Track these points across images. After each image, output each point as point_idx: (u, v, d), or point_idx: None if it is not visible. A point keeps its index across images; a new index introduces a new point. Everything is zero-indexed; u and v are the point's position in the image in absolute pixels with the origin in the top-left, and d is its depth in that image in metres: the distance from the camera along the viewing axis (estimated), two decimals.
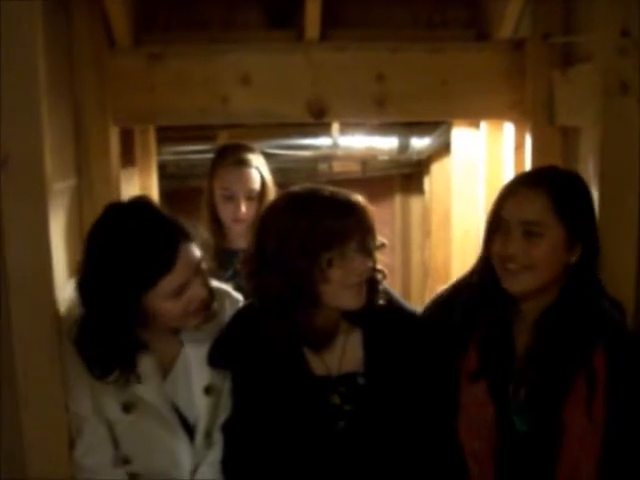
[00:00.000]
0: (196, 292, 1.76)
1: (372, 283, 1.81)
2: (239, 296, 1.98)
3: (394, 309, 1.88)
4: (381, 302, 1.84)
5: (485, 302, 1.80)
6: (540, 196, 1.71)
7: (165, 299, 1.72)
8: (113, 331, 1.74)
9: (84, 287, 1.75)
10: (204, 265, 1.82)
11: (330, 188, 1.81)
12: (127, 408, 1.79)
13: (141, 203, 1.83)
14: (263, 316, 1.80)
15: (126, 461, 1.82)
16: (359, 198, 1.79)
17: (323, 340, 1.83)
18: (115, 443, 1.81)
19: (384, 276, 1.85)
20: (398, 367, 1.82)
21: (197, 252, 1.78)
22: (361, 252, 1.74)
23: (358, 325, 1.85)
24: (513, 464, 1.75)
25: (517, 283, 1.73)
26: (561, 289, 1.74)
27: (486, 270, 1.80)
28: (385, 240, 1.83)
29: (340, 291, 1.75)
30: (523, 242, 1.70)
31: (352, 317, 1.83)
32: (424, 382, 1.82)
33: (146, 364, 1.81)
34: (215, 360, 1.86)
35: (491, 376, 1.76)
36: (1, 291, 1.67)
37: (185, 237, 1.75)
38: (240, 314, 1.91)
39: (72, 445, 1.79)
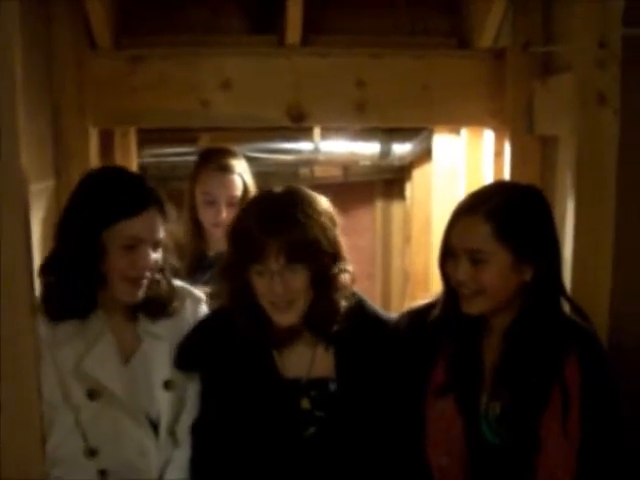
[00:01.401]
0: (143, 258, 1.79)
1: (332, 287, 1.79)
2: (202, 295, 2.01)
3: (366, 315, 1.88)
4: (345, 304, 1.82)
5: (451, 319, 1.79)
6: (480, 224, 1.68)
7: (117, 246, 1.77)
8: (73, 261, 1.77)
9: (58, 227, 1.83)
10: (168, 259, 1.90)
11: None
12: (92, 395, 1.80)
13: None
14: (235, 316, 1.81)
15: (93, 453, 1.81)
16: None
17: (288, 342, 1.83)
18: (83, 434, 1.81)
19: (353, 280, 1.84)
20: (369, 374, 1.81)
21: (162, 231, 1.83)
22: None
23: (324, 328, 1.83)
24: (485, 478, 1.75)
25: (471, 306, 1.73)
26: (523, 303, 1.73)
27: (448, 292, 1.79)
28: None
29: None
30: (470, 268, 1.69)
31: (319, 323, 1.82)
32: (392, 392, 1.81)
33: (105, 347, 1.82)
34: (181, 362, 1.87)
35: (459, 390, 1.76)
36: None
37: (160, 207, 1.83)
38: (209, 316, 1.93)
39: (44, 440, 1.77)
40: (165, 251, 1.88)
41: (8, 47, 1.63)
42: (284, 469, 1.78)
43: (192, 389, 1.89)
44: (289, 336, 1.83)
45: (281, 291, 1.73)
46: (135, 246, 1.79)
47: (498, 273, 1.69)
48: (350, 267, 1.84)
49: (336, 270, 1.79)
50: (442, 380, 1.78)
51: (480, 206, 1.71)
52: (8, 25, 1.62)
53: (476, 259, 1.69)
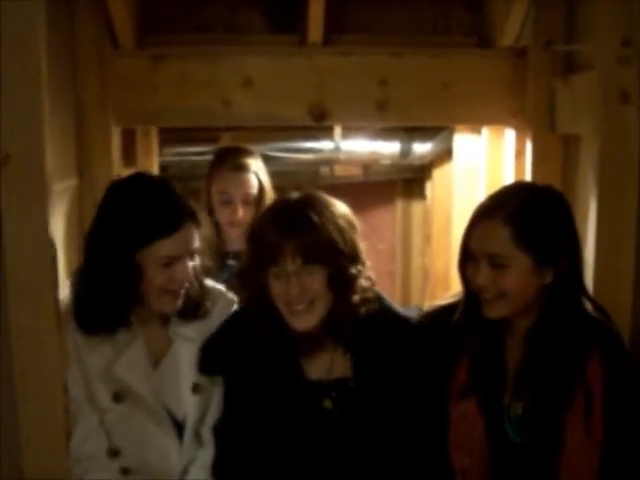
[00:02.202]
0: (182, 271, 1.79)
1: (350, 290, 1.78)
2: (234, 297, 1.99)
3: (385, 314, 1.86)
4: (369, 308, 1.81)
5: (471, 323, 1.78)
6: (500, 229, 1.67)
7: (154, 264, 1.75)
8: (107, 279, 1.76)
9: (89, 238, 1.80)
10: (201, 260, 1.87)
11: None
12: (117, 397, 1.80)
13: (163, 178, 1.93)
14: (254, 320, 1.81)
15: (116, 453, 1.82)
16: None
17: (308, 345, 1.82)
18: (107, 434, 1.82)
19: (373, 283, 1.84)
20: (388, 373, 1.81)
21: (197, 240, 1.81)
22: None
23: (343, 333, 1.82)
24: (507, 479, 1.74)
25: (492, 311, 1.72)
26: (545, 304, 1.72)
27: (468, 296, 1.79)
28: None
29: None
30: (491, 273, 1.69)
31: (338, 328, 1.81)
32: (413, 391, 1.81)
33: (136, 352, 1.83)
34: (204, 366, 1.87)
35: (482, 392, 1.75)
36: (0, 290, 1.68)
37: (193, 219, 1.80)
38: (230, 319, 1.91)
39: (69, 437, 1.81)
40: (200, 255, 1.87)
41: (34, 46, 1.65)
42: (308, 469, 1.78)
43: (217, 391, 1.89)
44: (308, 340, 1.82)
45: (297, 292, 1.72)
46: (172, 263, 1.77)
47: (519, 277, 1.68)
48: (370, 272, 1.82)
49: (354, 271, 1.77)
50: (465, 381, 1.77)
51: (498, 210, 1.70)
52: (34, 25, 1.64)
53: (496, 263, 1.68)
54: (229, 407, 1.87)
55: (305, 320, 1.76)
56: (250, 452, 1.81)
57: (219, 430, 1.87)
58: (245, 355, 1.83)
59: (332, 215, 1.75)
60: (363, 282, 1.80)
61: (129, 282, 1.76)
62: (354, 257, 1.78)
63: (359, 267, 1.79)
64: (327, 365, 1.83)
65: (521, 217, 1.68)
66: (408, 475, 1.78)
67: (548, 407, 1.68)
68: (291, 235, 1.70)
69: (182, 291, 1.82)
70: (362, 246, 1.81)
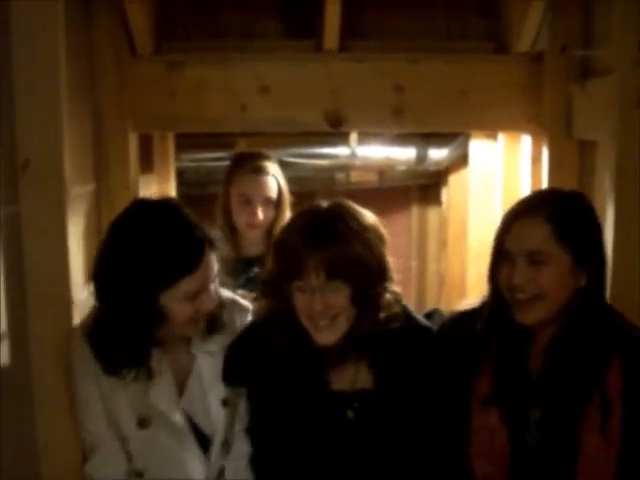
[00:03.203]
0: (209, 300, 1.76)
1: (375, 307, 1.76)
2: (248, 304, 1.99)
3: (409, 326, 1.84)
4: (390, 324, 1.78)
5: (496, 330, 1.77)
6: (540, 225, 1.67)
7: (180, 301, 1.71)
8: (128, 325, 1.71)
9: (103, 279, 1.73)
10: (218, 276, 1.82)
11: None
12: (142, 423, 1.78)
13: (171, 203, 1.81)
14: (278, 331, 1.79)
15: (139, 475, 1.80)
16: None
17: (335, 356, 1.80)
18: (128, 457, 1.79)
19: (399, 298, 1.82)
20: (410, 383, 1.79)
21: (216, 262, 1.77)
22: None
23: (367, 346, 1.80)
24: None
25: (529, 313, 1.70)
26: (570, 312, 1.71)
27: (496, 301, 1.77)
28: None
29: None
30: (529, 271, 1.67)
31: (361, 343, 1.79)
32: (435, 400, 1.79)
33: (165, 377, 1.80)
34: (229, 376, 1.85)
35: (504, 402, 1.74)
36: (19, 294, 1.69)
37: (209, 244, 1.74)
38: (252, 328, 1.90)
39: (84, 459, 1.79)
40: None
41: (53, 52, 1.67)
42: (329, 478, 1.78)
43: (242, 400, 1.87)
44: (332, 352, 1.78)
45: (320, 308, 1.69)
46: (198, 295, 1.73)
47: (557, 276, 1.67)
48: (396, 287, 1.80)
49: (379, 289, 1.74)
50: (487, 390, 1.76)
51: (538, 209, 1.70)
52: (54, 30, 1.66)
53: (535, 260, 1.67)
54: (253, 415, 1.86)
55: (327, 335, 1.73)
56: (274, 461, 1.81)
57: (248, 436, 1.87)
58: (268, 365, 1.81)
59: (361, 228, 1.72)
60: (388, 297, 1.77)
61: (154, 324, 1.73)
62: (380, 273, 1.75)
63: (385, 284, 1.76)
64: (351, 377, 1.81)
65: (561, 215, 1.69)
66: None
67: (565, 413, 1.67)
68: (316, 248, 1.67)
69: (204, 316, 1.80)
70: (389, 260, 1.78)
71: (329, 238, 1.68)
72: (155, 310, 1.70)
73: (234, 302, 1.96)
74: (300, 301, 1.72)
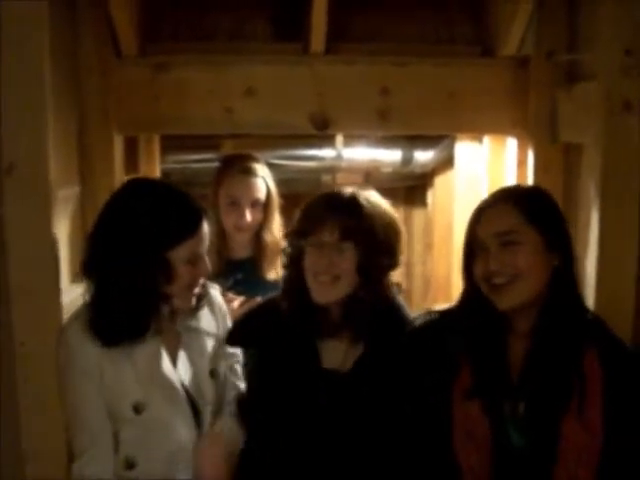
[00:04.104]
0: (205, 267, 1.88)
1: (375, 279, 1.87)
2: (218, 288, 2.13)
3: (399, 320, 1.92)
4: (383, 303, 1.90)
5: (474, 323, 1.79)
6: (509, 210, 1.72)
7: (183, 262, 1.82)
8: (139, 281, 1.78)
9: (110, 243, 1.78)
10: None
11: None
12: (137, 409, 1.81)
13: (163, 180, 1.94)
14: (284, 296, 1.95)
15: (130, 466, 1.82)
16: None
17: (329, 334, 1.89)
18: (122, 449, 1.82)
19: (399, 287, 1.96)
20: (385, 369, 1.85)
21: (208, 237, 1.90)
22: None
23: (361, 327, 1.88)
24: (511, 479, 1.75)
25: (508, 297, 1.72)
26: (547, 298, 1.73)
27: (472, 294, 1.80)
28: None
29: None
30: (503, 254, 1.70)
31: (356, 312, 1.87)
32: (412, 393, 1.83)
33: (162, 351, 1.86)
34: (232, 338, 2.01)
35: (485, 393, 1.75)
36: (2, 297, 1.68)
37: (205, 213, 1.88)
38: (264, 302, 2.07)
39: (70, 458, 1.79)
40: None
41: (37, 54, 1.66)
42: (307, 455, 1.84)
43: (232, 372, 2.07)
44: (330, 328, 1.89)
45: (326, 263, 1.83)
46: (197, 259, 1.85)
47: (532, 253, 1.70)
48: (399, 279, 1.93)
49: (385, 267, 1.88)
50: (468, 383, 1.77)
51: (507, 197, 1.77)
52: (38, 32, 1.65)
53: (508, 242, 1.70)
54: (252, 381, 2.02)
55: (326, 293, 1.85)
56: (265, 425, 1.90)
57: (241, 403, 1.98)
58: (270, 334, 1.94)
59: (378, 207, 1.89)
60: (389, 280, 1.91)
61: (164, 282, 1.81)
62: (389, 254, 1.89)
63: (391, 266, 1.90)
64: (341, 357, 1.88)
65: (531, 199, 1.76)
66: (411, 475, 1.80)
67: (546, 406, 1.69)
68: (336, 210, 1.84)
69: (198, 288, 1.90)
70: (402, 254, 1.92)
71: (350, 205, 1.85)
72: (164, 265, 1.79)
73: (209, 284, 2.05)
74: (310, 257, 1.86)
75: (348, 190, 1.91)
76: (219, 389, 1.98)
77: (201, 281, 1.90)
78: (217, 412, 1.95)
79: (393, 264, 1.91)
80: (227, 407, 1.99)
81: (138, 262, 1.77)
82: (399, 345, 1.87)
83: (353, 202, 1.85)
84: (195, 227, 1.82)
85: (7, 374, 1.70)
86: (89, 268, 1.79)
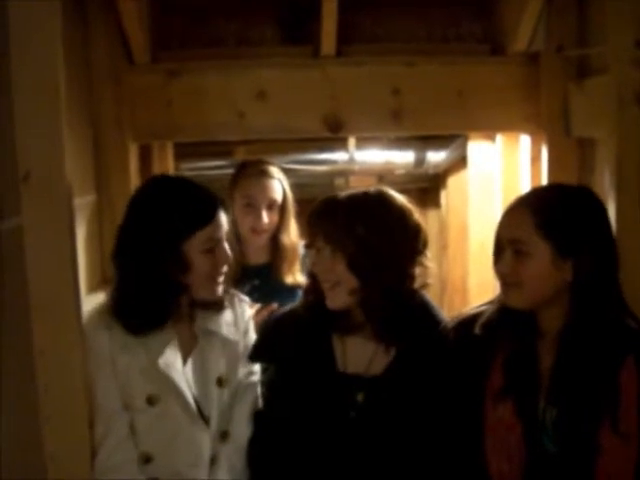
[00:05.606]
0: (224, 253, 1.92)
1: (376, 277, 1.83)
2: (245, 296, 2.13)
3: (430, 319, 1.90)
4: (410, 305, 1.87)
5: (504, 321, 1.79)
6: (524, 215, 1.71)
7: (200, 251, 1.87)
8: (156, 273, 1.85)
9: (130, 238, 1.88)
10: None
11: None
12: (150, 400, 1.85)
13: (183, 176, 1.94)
14: (304, 304, 1.95)
15: (148, 460, 1.85)
16: None
17: (350, 334, 1.88)
18: (138, 441, 1.86)
19: (424, 284, 1.92)
20: (422, 378, 1.83)
21: (226, 224, 1.95)
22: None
23: (384, 328, 1.86)
24: None
25: (508, 298, 1.75)
26: (571, 306, 1.71)
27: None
28: None
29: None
30: (512, 260, 1.71)
31: (373, 312, 1.85)
32: (446, 399, 1.81)
33: (173, 349, 1.89)
34: (257, 355, 1.99)
35: (517, 395, 1.74)
36: (23, 307, 1.68)
37: (222, 204, 1.94)
38: (284, 313, 2.03)
39: (93, 454, 1.81)
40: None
41: (52, 63, 1.67)
42: (333, 463, 1.81)
43: (249, 388, 2.00)
44: (350, 328, 1.88)
45: (321, 269, 1.85)
46: (215, 247, 1.89)
47: (538, 268, 1.69)
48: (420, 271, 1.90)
49: (381, 263, 1.81)
50: (500, 385, 1.76)
51: (528, 200, 1.76)
52: (52, 41, 1.66)
53: (519, 250, 1.70)
54: (270, 394, 1.96)
55: (332, 299, 1.85)
56: (283, 441, 1.87)
57: (259, 418, 1.96)
58: (291, 345, 1.92)
59: (367, 211, 1.83)
60: (407, 279, 1.86)
61: (179, 273, 1.86)
62: (380, 252, 1.81)
63: (391, 262, 1.83)
64: (367, 361, 1.86)
65: (544, 207, 1.71)
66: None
67: (581, 414, 1.66)
68: (318, 216, 1.86)
69: (222, 276, 1.94)
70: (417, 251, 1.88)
71: (327, 210, 1.86)
72: (179, 257, 1.85)
73: (233, 292, 2.11)
74: (311, 264, 1.90)
75: (341, 193, 1.90)
76: (228, 399, 1.95)
77: (224, 269, 1.93)
78: (224, 421, 1.94)
79: (396, 263, 1.84)
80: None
81: (151, 252, 1.84)
82: (433, 347, 1.86)
83: (331, 206, 1.85)
84: (209, 215, 1.88)
85: (28, 384, 1.71)
86: (114, 257, 1.90)
